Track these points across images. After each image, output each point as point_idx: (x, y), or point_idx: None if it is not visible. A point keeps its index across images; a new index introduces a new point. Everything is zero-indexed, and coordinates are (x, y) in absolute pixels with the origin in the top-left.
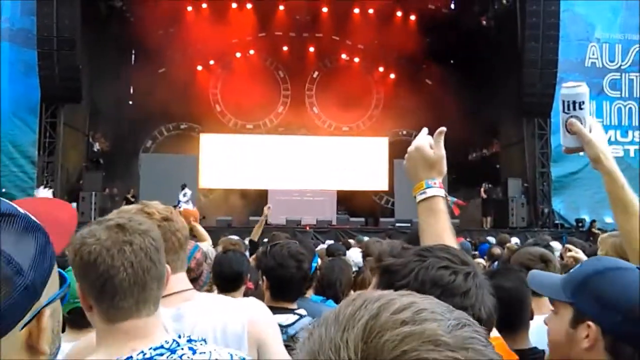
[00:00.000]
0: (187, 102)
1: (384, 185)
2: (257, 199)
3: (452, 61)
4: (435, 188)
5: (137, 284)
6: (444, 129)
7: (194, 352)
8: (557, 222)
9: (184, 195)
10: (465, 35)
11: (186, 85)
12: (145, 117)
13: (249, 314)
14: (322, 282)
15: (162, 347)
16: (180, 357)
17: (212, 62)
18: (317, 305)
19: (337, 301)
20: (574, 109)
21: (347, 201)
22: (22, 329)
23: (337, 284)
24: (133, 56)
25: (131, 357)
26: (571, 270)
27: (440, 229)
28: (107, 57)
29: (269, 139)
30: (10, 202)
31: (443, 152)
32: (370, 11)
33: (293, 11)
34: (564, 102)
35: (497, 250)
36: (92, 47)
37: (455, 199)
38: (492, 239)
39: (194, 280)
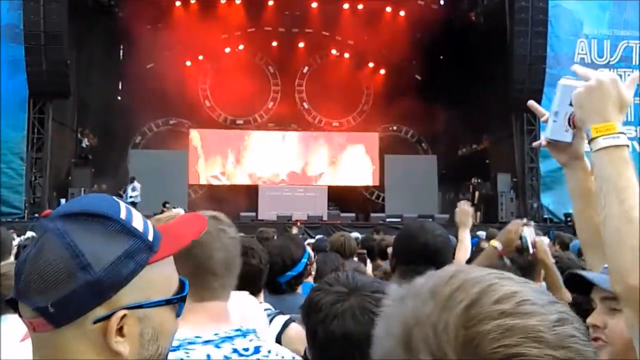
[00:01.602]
0: (176, 98)
1: (374, 181)
2: (248, 195)
3: (441, 57)
4: (626, 136)
5: (228, 268)
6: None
7: (259, 340)
8: (545, 216)
9: (133, 189)
10: (454, 31)
11: (175, 81)
12: (134, 112)
13: (241, 309)
14: (318, 274)
15: (239, 329)
16: (250, 341)
17: (201, 57)
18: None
19: None
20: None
21: (337, 197)
22: (94, 323)
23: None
24: (121, 51)
25: (217, 333)
26: None
27: (638, 184)
28: (95, 52)
29: (259, 134)
30: (124, 207)
31: (632, 99)
32: (360, 7)
33: (282, 6)
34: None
35: (485, 245)
36: (80, 42)
37: None
38: (483, 234)
39: None
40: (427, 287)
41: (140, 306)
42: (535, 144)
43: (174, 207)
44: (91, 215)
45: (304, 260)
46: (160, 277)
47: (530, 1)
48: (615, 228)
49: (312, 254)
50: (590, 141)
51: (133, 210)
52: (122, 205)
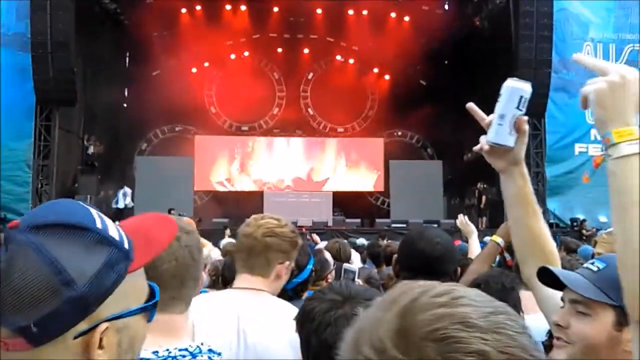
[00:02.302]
0: (182, 104)
1: (379, 186)
2: (253, 201)
3: (446, 62)
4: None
5: (177, 278)
6: None
7: None
8: (551, 221)
9: (125, 195)
10: (459, 36)
11: (181, 88)
12: (140, 119)
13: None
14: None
15: (186, 349)
16: None
17: (206, 64)
18: None
19: None
20: (524, 106)
21: (343, 202)
22: (75, 338)
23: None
24: (127, 59)
25: (157, 352)
26: (601, 269)
27: None
28: (101, 60)
29: (264, 140)
30: (96, 214)
31: None
32: (365, 12)
33: (287, 13)
34: (521, 97)
35: None
36: (86, 50)
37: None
38: (487, 238)
39: None
40: (382, 296)
41: (119, 317)
42: (475, 148)
43: (180, 214)
44: (67, 227)
45: (309, 267)
46: (135, 284)
47: (535, 5)
48: (630, 248)
49: (331, 261)
50: (609, 147)
51: (105, 217)
52: (95, 212)
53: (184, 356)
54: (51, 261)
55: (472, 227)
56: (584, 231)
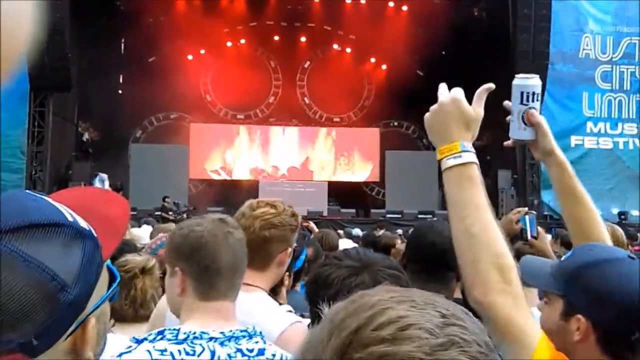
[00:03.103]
0: (177, 92)
1: (374, 176)
2: (248, 190)
3: (443, 52)
4: (472, 153)
5: (234, 270)
6: (492, 85)
7: (265, 343)
8: (546, 213)
9: (101, 181)
10: (456, 27)
11: (177, 75)
12: (135, 106)
13: (253, 309)
14: None
15: (245, 330)
16: (256, 342)
17: (202, 51)
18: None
19: None
20: (532, 100)
21: (338, 192)
22: (66, 339)
23: None
24: (123, 45)
25: (223, 332)
26: (562, 259)
27: (482, 202)
28: (96, 46)
29: (259, 129)
30: (60, 206)
31: (482, 111)
32: (363, 1)
33: (285, 1)
34: (522, 93)
35: None
36: (81, 35)
37: None
38: None
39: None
40: (333, 311)
41: (98, 306)
42: (505, 143)
43: (175, 202)
44: (43, 226)
45: (302, 256)
46: (102, 269)
47: None
48: (458, 243)
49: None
50: (439, 163)
51: (67, 207)
52: (58, 204)
53: (244, 336)
54: (41, 268)
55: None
56: None
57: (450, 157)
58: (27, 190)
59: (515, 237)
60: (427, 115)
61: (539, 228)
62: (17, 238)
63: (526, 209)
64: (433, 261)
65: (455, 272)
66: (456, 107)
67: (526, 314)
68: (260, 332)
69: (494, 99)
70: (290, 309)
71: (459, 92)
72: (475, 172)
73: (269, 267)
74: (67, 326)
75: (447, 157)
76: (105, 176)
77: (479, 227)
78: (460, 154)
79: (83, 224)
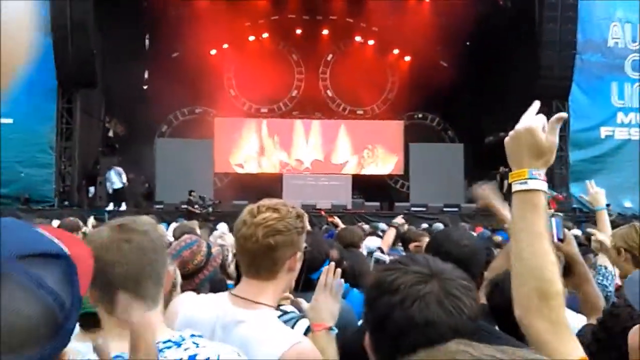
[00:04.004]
0: (201, 86)
1: (399, 169)
2: (272, 183)
3: (467, 43)
4: (539, 180)
5: (135, 280)
6: (564, 114)
7: (197, 347)
8: (575, 206)
9: (119, 174)
10: (481, 17)
11: (200, 69)
12: (160, 101)
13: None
14: (350, 271)
15: (169, 340)
16: (185, 350)
17: (225, 45)
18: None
19: (362, 290)
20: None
21: (362, 185)
22: None
23: (362, 274)
24: (147, 41)
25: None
26: None
27: (541, 229)
28: (121, 42)
29: (283, 122)
30: (52, 237)
31: (557, 140)
32: None
33: None
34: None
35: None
36: (106, 32)
37: (554, 193)
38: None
39: (190, 275)
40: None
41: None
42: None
43: (201, 196)
44: (51, 255)
45: (325, 264)
46: None
47: None
48: (512, 263)
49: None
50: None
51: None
52: (52, 237)
53: (169, 347)
54: (54, 296)
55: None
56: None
57: (517, 182)
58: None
59: None
60: (506, 140)
61: (566, 230)
62: (31, 264)
63: (551, 211)
64: None
65: (474, 281)
66: (530, 136)
67: (563, 340)
68: (192, 334)
69: (517, 90)
70: (293, 309)
71: (536, 121)
72: (539, 199)
73: (277, 275)
74: (61, 350)
75: (515, 182)
76: (121, 169)
77: (530, 252)
78: (526, 180)
79: (65, 249)
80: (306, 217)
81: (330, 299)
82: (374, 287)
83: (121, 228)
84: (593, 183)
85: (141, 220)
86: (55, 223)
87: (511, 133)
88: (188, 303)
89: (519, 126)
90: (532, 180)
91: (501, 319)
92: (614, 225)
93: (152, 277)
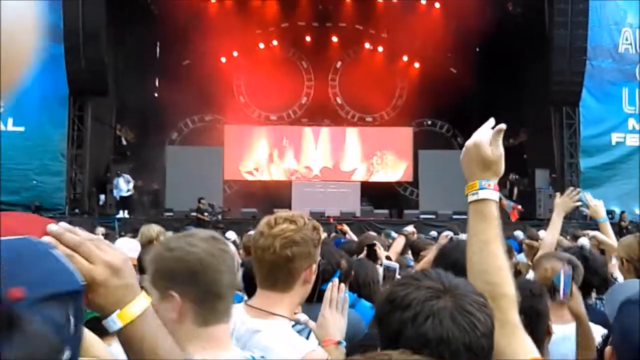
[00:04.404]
0: (211, 94)
1: (408, 176)
2: (281, 191)
3: (477, 49)
4: (489, 190)
5: (232, 288)
6: (503, 126)
7: None
8: (585, 213)
9: (127, 181)
10: (491, 23)
11: (210, 77)
12: (170, 109)
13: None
14: (357, 281)
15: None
16: None
17: (235, 53)
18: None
19: (370, 300)
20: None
21: (371, 193)
22: None
23: (371, 284)
24: (158, 48)
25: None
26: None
27: (489, 236)
28: (132, 50)
29: (292, 129)
30: (67, 263)
31: (501, 151)
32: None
33: (316, 1)
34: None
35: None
36: (117, 40)
37: (512, 204)
38: (518, 233)
39: None
40: None
41: None
42: None
43: (210, 204)
44: (70, 293)
45: (336, 276)
46: None
47: None
48: (467, 266)
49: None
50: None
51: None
52: (67, 261)
53: None
54: (65, 339)
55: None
56: (622, 223)
57: (470, 193)
58: (29, 238)
59: (548, 291)
60: (460, 155)
61: (574, 287)
62: (49, 306)
63: (563, 254)
64: None
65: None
66: (477, 150)
67: (512, 340)
68: (262, 356)
69: (529, 96)
70: (306, 318)
71: (482, 136)
72: (489, 208)
73: (293, 287)
74: None
75: (468, 193)
76: (128, 177)
77: (479, 256)
78: (477, 191)
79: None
80: (321, 229)
81: (337, 315)
82: (386, 302)
83: (215, 239)
84: (590, 195)
85: (219, 235)
86: None
87: (463, 149)
88: None
89: (469, 141)
90: (482, 190)
91: None
92: (629, 232)
93: (237, 287)
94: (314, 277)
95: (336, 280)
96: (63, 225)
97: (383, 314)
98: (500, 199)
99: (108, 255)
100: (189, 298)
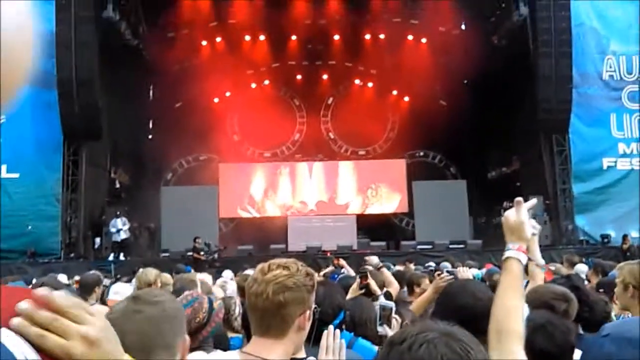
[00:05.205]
0: (205, 134)
1: (403, 207)
2: (277, 227)
3: (465, 81)
4: (512, 251)
5: (144, 349)
6: (520, 199)
7: None
8: (581, 238)
9: (124, 223)
10: (477, 55)
11: (204, 117)
12: (164, 150)
13: None
14: (353, 320)
15: None
16: None
17: (228, 93)
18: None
19: (367, 338)
20: None
21: (367, 225)
22: None
23: (367, 323)
24: (151, 92)
25: None
26: None
27: (504, 286)
28: (125, 94)
29: (286, 166)
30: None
31: (522, 218)
32: (382, 36)
33: (305, 40)
34: None
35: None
36: (110, 84)
37: (546, 266)
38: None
39: (193, 333)
40: None
41: None
42: None
43: (206, 243)
44: None
45: (340, 317)
46: None
47: (552, 23)
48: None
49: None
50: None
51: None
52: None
53: None
54: None
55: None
56: (624, 246)
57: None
58: None
59: (553, 307)
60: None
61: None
62: None
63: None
64: (463, 324)
65: (485, 336)
66: (505, 220)
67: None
68: None
69: (519, 124)
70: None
71: (511, 210)
72: (510, 265)
73: (287, 334)
74: None
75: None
76: (125, 219)
77: (495, 302)
78: (504, 252)
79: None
80: (316, 276)
81: None
82: (385, 346)
83: (134, 300)
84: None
85: (155, 292)
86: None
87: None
88: None
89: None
90: (507, 250)
91: None
92: (632, 255)
93: (163, 346)
94: (309, 324)
95: (331, 327)
96: (38, 293)
97: (384, 356)
98: (529, 260)
99: (84, 326)
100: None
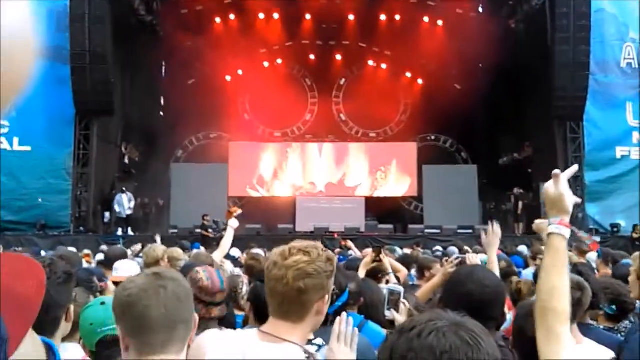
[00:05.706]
0: (216, 112)
1: (412, 191)
2: (286, 207)
3: (480, 65)
4: (554, 226)
5: (169, 324)
6: (557, 171)
7: None
8: (591, 227)
9: (129, 200)
10: (493, 39)
11: (215, 95)
12: (176, 127)
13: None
14: (365, 302)
15: None
16: None
17: (240, 72)
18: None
19: (378, 322)
20: None
21: (375, 208)
22: None
23: (378, 305)
24: (164, 68)
25: None
26: None
27: (546, 263)
28: (138, 70)
29: (297, 146)
30: None
31: (562, 190)
32: (397, 17)
33: (319, 19)
34: None
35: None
36: (123, 60)
37: (589, 239)
38: (523, 248)
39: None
40: None
41: None
42: None
43: (215, 220)
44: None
45: (344, 298)
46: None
47: (571, 7)
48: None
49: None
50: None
51: None
52: None
53: None
54: None
55: (498, 240)
56: (635, 235)
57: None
58: None
59: None
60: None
61: None
62: None
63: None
64: (471, 312)
65: (494, 321)
66: (546, 193)
67: (553, 346)
68: None
69: (533, 111)
70: (322, 342)
71: (550, 183)
72: (553, 242)
73: (305, 318)
74: None
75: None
76: (131, 195)
77: (539, 279)
78: (547, 227)
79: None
80: (336, 260)
81: (346, 349)
82: (395, 332)
83: (157, 276)
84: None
85: (168, 272)
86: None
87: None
88: (215, 341)
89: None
90: (550, 226)
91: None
92: None
93: (183, 321)
94: (326, 308)
95: (344, 314)
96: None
97: (393, 343)
98: (574, 233)
99: None
100: (125, 331)
